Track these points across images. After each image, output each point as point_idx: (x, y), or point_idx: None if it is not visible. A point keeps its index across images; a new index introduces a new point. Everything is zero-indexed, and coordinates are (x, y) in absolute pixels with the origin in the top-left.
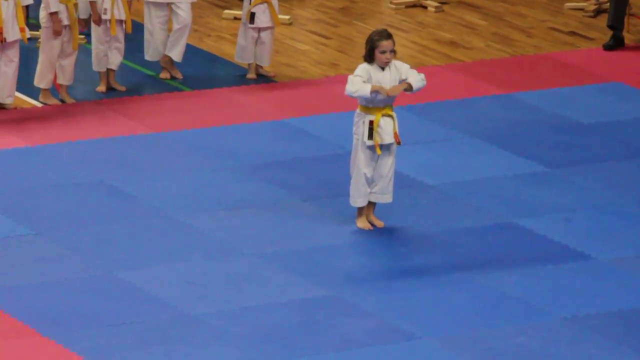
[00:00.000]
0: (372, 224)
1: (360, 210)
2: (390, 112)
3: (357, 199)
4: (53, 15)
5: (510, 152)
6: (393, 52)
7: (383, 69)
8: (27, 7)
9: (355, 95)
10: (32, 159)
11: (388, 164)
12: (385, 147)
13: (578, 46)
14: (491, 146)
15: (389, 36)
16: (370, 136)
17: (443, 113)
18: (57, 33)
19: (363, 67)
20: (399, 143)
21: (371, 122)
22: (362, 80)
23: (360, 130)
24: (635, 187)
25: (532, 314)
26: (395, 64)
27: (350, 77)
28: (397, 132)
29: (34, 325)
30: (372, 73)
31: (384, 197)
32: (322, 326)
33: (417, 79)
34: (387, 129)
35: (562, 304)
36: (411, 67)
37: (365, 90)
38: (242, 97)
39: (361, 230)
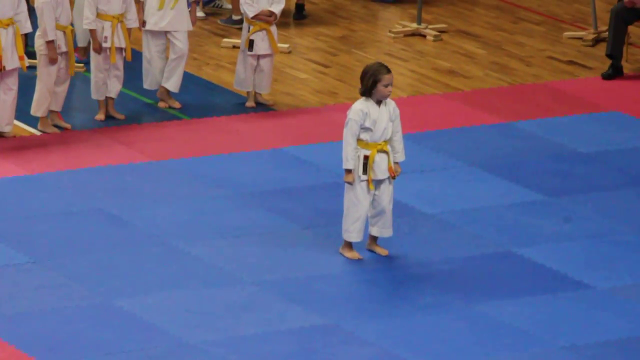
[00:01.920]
0: (375, 253)
1: (350, 242)
2: (385, 148)
3: (353, 234)
4: (49, 43)
5: (509, 181)
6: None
7: (379, 104)
8: (26, 35)
9: (343, 153)
10: (31, 187)
11: (387, 197)
12: (381, 182)
13: (577, 75)
14: (490, 175)
15: (389, 70)
16: (365, 171)
17: (442, 142)
18: (52, 61)
19: (360, 108)
20: (393, 177)
21: (366, 157)
22: (358, 126)
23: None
24: (634, 216)
25: (530, 343)
26: (389, 101)
27: (348, 123)
28: (392, 167)
29: (32, 353)
30: (370, 110)
31: (387, 231)
32: (320, 354)
33: (403, 148)
34: (381, 164)
35: (561, 333)
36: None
37: (347, 164)
38: (241, 125)
39: (360, 259)
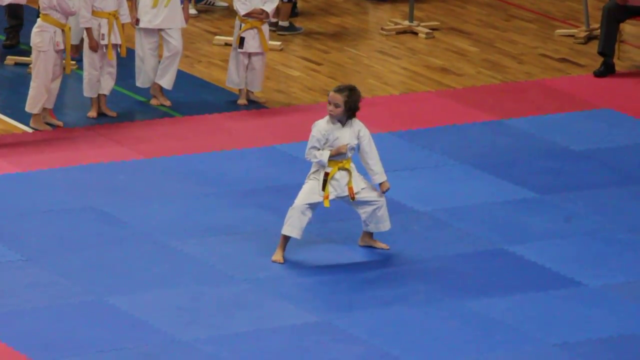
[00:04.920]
0: (375, 247)
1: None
2: (347, 166)
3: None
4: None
5: (501, 179)
6: (335, 105)
7: (342, 124)
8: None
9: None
10: (23, 185)
11: (362, 208)
12: (347, 200)
13: (569, 73)
14: (482, 172)
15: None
16: (323, 187)
17: (434, 139)
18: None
19: (322, 126)
20: (352, 198)
21: (326, 174)
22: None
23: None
24: (626, 214)
25: (522, 341)
26: (355, 122)
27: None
28: (352, 187)
29: (24, 350)
30: (333, 131)
31: (383, 225)
32: (312, 352)
33: (381, 169)
34: (342, 181)
35: (553, 331)
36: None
37: (324, 158)
38: (233, 123)
39: (352, 256)
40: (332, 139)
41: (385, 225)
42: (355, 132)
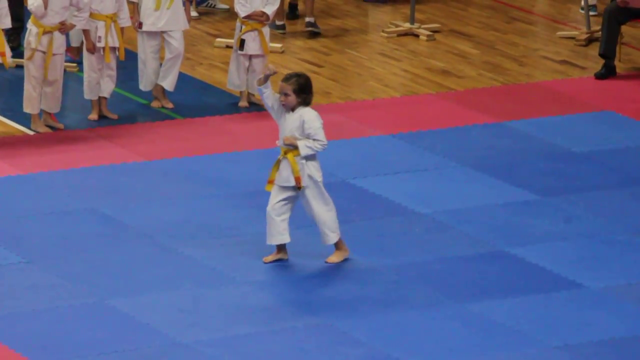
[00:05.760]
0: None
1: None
2: (287, 156)
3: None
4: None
5: (502, 181)
6: (285, 95)
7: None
8: (6, 31)
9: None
10: (24, 187)
11: (309, 206)
12: (299, 189)
13: (570, 75)
14: (483, 175)
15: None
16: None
17: (435, 141)
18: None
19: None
20: (299, 188)
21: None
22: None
23: None
24: (627, 216)
25: (523, 343)
26: (303, 115)
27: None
28: (299, 177)
29: (25, 353)
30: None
31: (322, 238)
32: (313, 354)
33: (305, 145)
34: (283, 172)
35: (554, 333)
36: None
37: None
38: (234, 125)
39: (352, 258)
40: (281, 124)
41: (323, 239)
42: (300, 122)
